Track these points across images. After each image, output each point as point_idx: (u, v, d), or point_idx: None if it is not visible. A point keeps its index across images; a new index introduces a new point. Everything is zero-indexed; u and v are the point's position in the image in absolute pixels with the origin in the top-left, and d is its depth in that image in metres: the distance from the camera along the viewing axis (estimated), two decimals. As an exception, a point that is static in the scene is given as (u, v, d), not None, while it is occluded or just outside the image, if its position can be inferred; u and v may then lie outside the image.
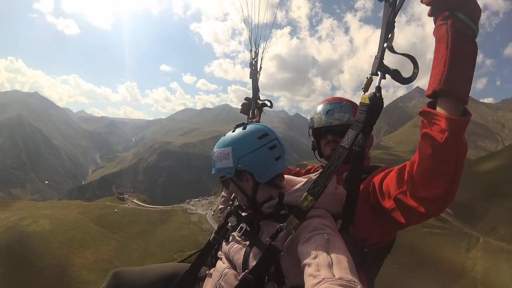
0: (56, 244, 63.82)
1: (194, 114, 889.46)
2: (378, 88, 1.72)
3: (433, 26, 1.48)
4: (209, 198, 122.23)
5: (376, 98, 1.72)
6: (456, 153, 1.39)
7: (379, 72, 1.70)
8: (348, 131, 1.80)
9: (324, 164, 2.56)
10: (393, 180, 1.74)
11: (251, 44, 3.30)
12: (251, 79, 3.32)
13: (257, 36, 3.29)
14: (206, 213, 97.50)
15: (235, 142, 2.03)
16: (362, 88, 1.80)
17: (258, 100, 3.30)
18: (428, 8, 1.47)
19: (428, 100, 1.47)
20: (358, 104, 2.18)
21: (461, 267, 66.68)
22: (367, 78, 1.76)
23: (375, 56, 1.71)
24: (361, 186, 1.93)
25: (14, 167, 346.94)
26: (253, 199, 2.01)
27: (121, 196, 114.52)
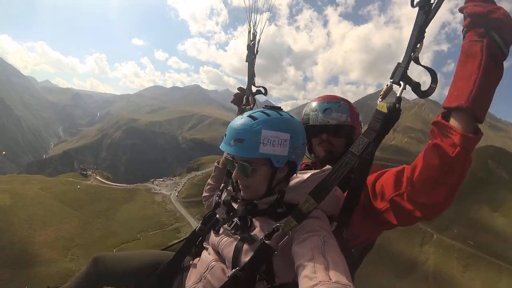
0: (16, 220, 62.26)
1: (163, 92, 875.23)
2: (399, 99, 1.69)
3: (461, 37, 1.49)
4: (173, 179, 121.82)
5: (395, 109, 1.68)
6: (462, 167, 1.41)
7: (401, 82, 1.66)
8: (359, 137, 1.75)
9: (311, 160, 2.78)
10: (389, 182, 1.75)
11: (249, 25, 3.13)
12: (247, 63, 3.16)
13: (256, 17, 3.12)
14: (171, 194, 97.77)
15: (293, 130, 1.90)
16: (380, 95, 1.77)
17: (253, 87, 3.14)
18: (464, 18, 1.45)
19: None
20: (354, 105, 2.65)
21: (414, 260, 71.09)
22: (387, 85, 1.73)
23: (399, 64, 1.67)
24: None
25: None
26: (271, 191, 1.95)
27: (84, 173, 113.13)
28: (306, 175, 2.00)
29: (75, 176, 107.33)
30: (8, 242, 55.79)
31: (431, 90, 1.57)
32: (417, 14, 1.59)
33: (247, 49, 3.17)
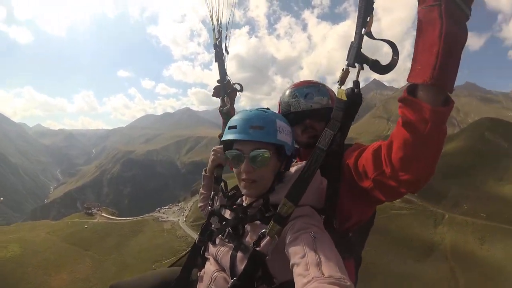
0: (30, 268, 62.26)
1: (155, 120, 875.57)
2: (357, 83, 1.61)
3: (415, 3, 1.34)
4: (179, 204, 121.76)
5: (354, 95, 1.60)
6: (438, 140, 1.36)
7: (356, 64, 1.54)
8: (324, 130, 1.69)
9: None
10: (369, 162, 1.72)
11: (212, 22, 3.02)
12: (216, 62, 3.08)
13: (219, 12, 3.02)
14: (179, 220, 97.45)
15: (290, 124, 2.03)
16: (338, 81, 1.66)
17: (229, 85, 3.10)
18: None
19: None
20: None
21: (430, 242, 71.48)
22: (343, 69, 1.61)
23: (351, 43, 1.55)
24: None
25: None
26: (273, 187, 1.93)
27: (89, 211, 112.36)
28: (293, 168, 2.04)
29: (80, 216, 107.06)
30: (24, 291, 55.57)
31: (393, 62, 1.45)
32: None
33: (214, 48, 3.08)
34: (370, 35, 1.49)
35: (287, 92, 2.51)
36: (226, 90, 3.05)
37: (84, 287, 60.11)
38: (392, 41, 1.45)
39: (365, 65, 1.53)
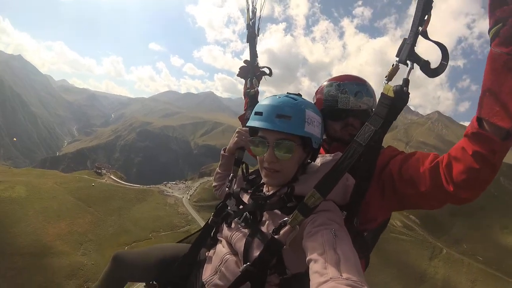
0: (31, 212, 63.29)
1: (177, 97, 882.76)
2: (406, 82, 1.56)
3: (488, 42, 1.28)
4: (186, 183, 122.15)
5: (403, 93, 1.57)
6: (499, 166, 1.40)
7: (408, 62, 1.53)
8: (365, 124, 1.66)
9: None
10: (425, 176, 1.66)
11: (247, 2, 2.97)
12: (248, 43, 3.04)
13: None
14: (183, 197, 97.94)
15: (321, 115, 1.93)
16: (386, 76, 1.64)
17: (257, 67, 3.05)
18: (496, 22, 1.23)
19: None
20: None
21: (423, 273, 71.35)
22: (393, 65, 1.60)
23: (405, 40, 1.54)
24: None
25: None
26: (296, 179, 1.89)
27: (99, 171, 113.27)
28: (318, 160, 1.99)
29: (89, 173, 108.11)
30: (22, 231, 56.82)
31: (442, 67, 1.44)
32: None
33: (247, 29, 3.04)
34: (425, 35, 1.48)
35: (333, 84, 2.38)
36: (255, 72, 3.02)
37: (80, 240, 60.84)
38: (444, 44, 1.44)
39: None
